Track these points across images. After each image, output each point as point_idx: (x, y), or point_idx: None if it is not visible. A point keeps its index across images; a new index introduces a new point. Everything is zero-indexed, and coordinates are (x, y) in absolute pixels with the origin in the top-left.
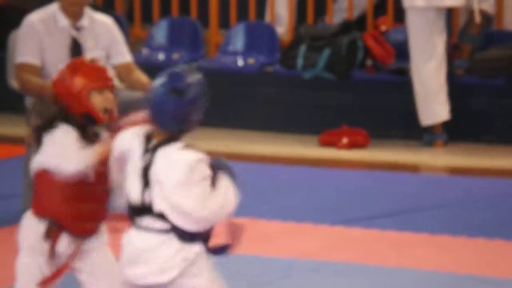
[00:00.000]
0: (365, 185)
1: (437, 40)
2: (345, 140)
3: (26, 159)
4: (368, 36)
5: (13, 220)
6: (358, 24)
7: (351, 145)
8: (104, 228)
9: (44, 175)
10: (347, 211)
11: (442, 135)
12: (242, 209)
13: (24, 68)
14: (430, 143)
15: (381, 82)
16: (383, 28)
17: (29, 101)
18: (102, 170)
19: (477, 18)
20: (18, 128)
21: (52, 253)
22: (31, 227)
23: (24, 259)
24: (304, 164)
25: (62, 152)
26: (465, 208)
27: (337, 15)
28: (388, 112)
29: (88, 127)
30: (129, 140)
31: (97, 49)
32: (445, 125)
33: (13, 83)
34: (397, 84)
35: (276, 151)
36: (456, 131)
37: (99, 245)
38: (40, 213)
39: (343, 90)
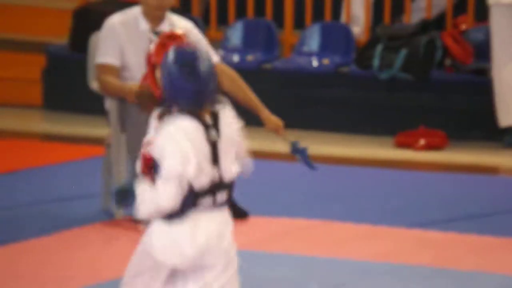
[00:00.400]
0: (442, 188)
1: None
2: (422, 142)
3: (106, 160)
4: (447, 35)
5: (93, 219)
6: (436, 23)
7: (428, 147)
8: None
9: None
10: (424, 213)
11: None
12: (316, 211)
13: (104, 68)
14: (511, 145)
15: (460, 82)
16: (463, 27)
17: (108, 103)
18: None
19: None
20: (98, 129)
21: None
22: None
23: None
24: (380, 166)
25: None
26: None
27: (415, 14)
28: (467, 113)
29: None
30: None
31: None
32: None
33: (94, 85)
34: (477, 85)
35: (351, 152)
36: None
37: None
38: None
39: (420, 91)
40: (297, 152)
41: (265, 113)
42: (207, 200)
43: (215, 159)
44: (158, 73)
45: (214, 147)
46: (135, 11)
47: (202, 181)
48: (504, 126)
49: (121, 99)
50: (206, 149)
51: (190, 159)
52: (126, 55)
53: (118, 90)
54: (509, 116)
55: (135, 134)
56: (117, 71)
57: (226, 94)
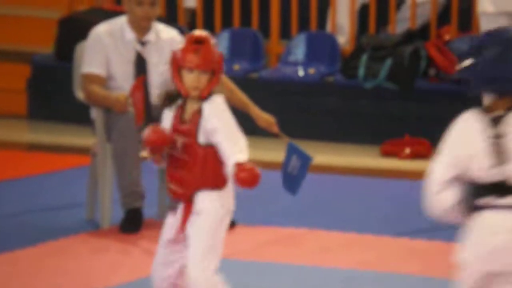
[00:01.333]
0: None
1: None
2: (407, 150)
3: (92, 169)
4: (431, 45)
5: (79, 229)
6: (421, 33)
7: (414, 155)
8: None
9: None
10: (410, 222)
11: None
12: (302, 220)
13: (89, 78)
14: None
15: (444, 92)
16: (447, 37)
17: (94, 112)
18: (190, 141)
19: None
20: (83, 139)
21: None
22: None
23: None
24: (366, 175)
25: None
26: None
27: (400, 24)
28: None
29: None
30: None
31: (161, 64)
32: None
33: (79, 94)
34: (461, 94)
35: (337, 161)
36: None
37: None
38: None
39: (405, 100)
40: (292, 148)
41: (256, 111)
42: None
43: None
44: (184, 75)
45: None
46: (121, 21)
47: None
48: None
49: (107, 108)
50: (483, 144)
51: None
52: (112, 65)
53: (104, 100)
54: None
55: (121, 144)
56: (103, 81)
57: None
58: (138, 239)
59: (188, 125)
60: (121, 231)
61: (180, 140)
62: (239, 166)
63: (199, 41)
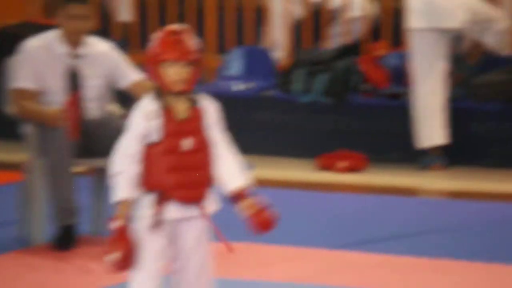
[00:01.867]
0: (363, 209)
1: (437, 63)
2: (342, 164)
3: (23, 186)
4: (364, 60)
5: (9, 247)
6: (354, 48)
7: (348, 169)
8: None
9: (146, 150)
10: (345, 235)
11: (439, 159)
12: (240, 234)
13: (22, 93)
14: (427, 167)
15: (377, 106)
16: (379, 52)
17: (27, 127)
18: (201, 137)
19: (478, 49)
20: (14, 155)
21: (158, 222)
22: (141, 201)
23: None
24: (301, 188)
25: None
26: (464, 232)
27: (334, 40)
28: (385, 135)
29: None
30: None
31: (95, 77)
32: (443, 149)
33: (10, 109)
34: (393, 108)
35: (273, 175)
36: (455, 155)
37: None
38: (147, 187)
39: (340, 114)
40: None
41: None
42: None
43: None
44: (166, 69)
45: None
46: (53, 35)
47: None
48: (421, 147)
49: (40, 123)
50: None
51: None
52: (44, 79)
53: (37, 115)
54: (425, 138)
55: (55, 159)
56: (36, 95)
57: None
58: (72, 256)
59: (191, 123)
60: (54, 248)
61: (187, 142)
62: (256, 210)
63: (178, 32)
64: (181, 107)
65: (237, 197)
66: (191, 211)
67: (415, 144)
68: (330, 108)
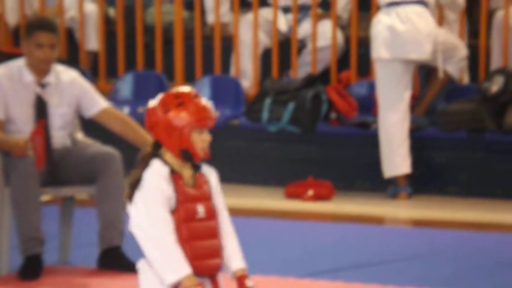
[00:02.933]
0: (330, 238)
1: (402, 92)
2: (310, 192)
3: None
4: (331, 89)
5: None
6: (322, 78)
7: (317, 197)
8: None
9: None
10: (313, 263)
11: (406, 188)
12: None
13: None
14: (394, 195)
15: (345, 135)
16: (347, 81)
17: None
18: (211, 204)
19: (440, 75)
20: None
21: None
22: (150, 279)
23: None
24: (269, 216)
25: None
26: (430, 260)
27: (301, 69)
28: (352, 164)
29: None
30: None
31: (62, 106)
32: (409, 177)
33: None
34: (361, 137)
35: (241, 203)
36: (420, 183)
37: None
38: None
39: (308, 143)
40: None
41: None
42: None
43: None
44: (193, 136)
45: None
46: (19, 63)
47: None
48: (388, 177)
49: (5, 152)
50: None
51: None
52: (10, 108)
53: (3, 144)
54: (392, 167)
55: (20, 188)
56: (1, 125)
57: (118, 135)
58: (38, 286)
59: (199, 190)
60: (20, 278)
61: (201, 207)
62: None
63: (199, 96)
64: (187, 174)
65: (238, 278)
66: (205, 284)
67: (383, 173)
68: (298, 137)
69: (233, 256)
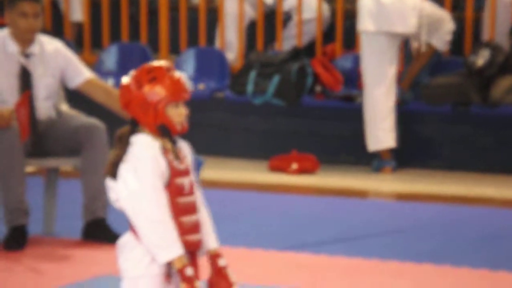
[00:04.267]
0: (314, 211)
1: (387, 66)
2: (294, 166)
3: None
4: (317, 62)
5: None
6: (307, 51)
7: (301, 171)
8: None
9: None
10: (296, 236)
11: (390, 162)
12: None
13: None
14: (378, 169)
15: (330, 108)
16: (332, 55)
17: None
18: (191, 178)
19: (423, 49)
20: None
21: (170, 274)
22: (136, 254)
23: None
24: (253, 190)
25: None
26: (414, 234)
27: (287, 42)
28: (337, 138)
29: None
30: None
31: (47, 76)
32: (393, 151)
33: None
34: (346, 111)
35: (225, 176)
36: (405, 157)
37: None
38: None
39: (292, 116)
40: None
41: None
42: None
43: None
44: (169, 110)
45: None
46: (3, 34)
47: None
48: (372, 150)
49: None
50: None
51: None
52: None
53: None
54: (377, 141)
55: (5, 159)
56: None
57: (102, 106)
58: (23, 257)
59: (183, 163)
60: (4, 248)
61: (186, 181)
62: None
63: (174, 70)
64: (166, 147)
65: (211, 257)
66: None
67: (367, 147)
68: (283, 110)
69: (208, 235)
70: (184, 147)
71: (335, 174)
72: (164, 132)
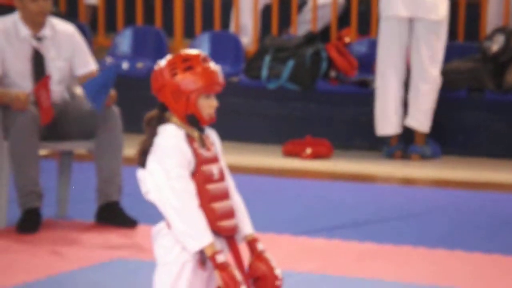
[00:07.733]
0: (328, 196)
1: (403, 52)
2: (308, 151)
3: None
4: (331, 47)
5: None
6: (322, 35)
7: (315, 156)
8: None
9: None
10: (310, 221)
11: (398, 146)
12: None
13: None
14: (389, 155)
15: (344, 93)
16: (347, 40)
17: None
18: (220, 165)
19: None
20: None
21: (203, 263)
22: (168, 241)
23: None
24: (267, 174)
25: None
26: (427, 219)
27: (302, 26)
28: (351, 123)
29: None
30: None
31: (59, 59)
32: (404, 137)
33: None
34: (360, 96)
35: (240, 161)
36: None
37: None
38: None
39: (306, 101)
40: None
41: None
42: None
43: None
44: (201, 100)
45: None
46: (14, 17)
47: None
48: (380, 135)
49: (4, 106)
50: None
51: None
52: (7, 62)
53: (2, 97)
54: (386, 125)
55: (19, 142)
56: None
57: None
58: (36, 239)
59: (210, 151)
60: (18, 231)
61: (214, 168)
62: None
63: (209, 60)
64: (195, 136)
65: (249, 242)
66: (223, 246)
67: (375, 131)
68: (297, 94)
69: (243, 221)
70: (212, 134)
71: (349, 159)
72: (193, 122)
